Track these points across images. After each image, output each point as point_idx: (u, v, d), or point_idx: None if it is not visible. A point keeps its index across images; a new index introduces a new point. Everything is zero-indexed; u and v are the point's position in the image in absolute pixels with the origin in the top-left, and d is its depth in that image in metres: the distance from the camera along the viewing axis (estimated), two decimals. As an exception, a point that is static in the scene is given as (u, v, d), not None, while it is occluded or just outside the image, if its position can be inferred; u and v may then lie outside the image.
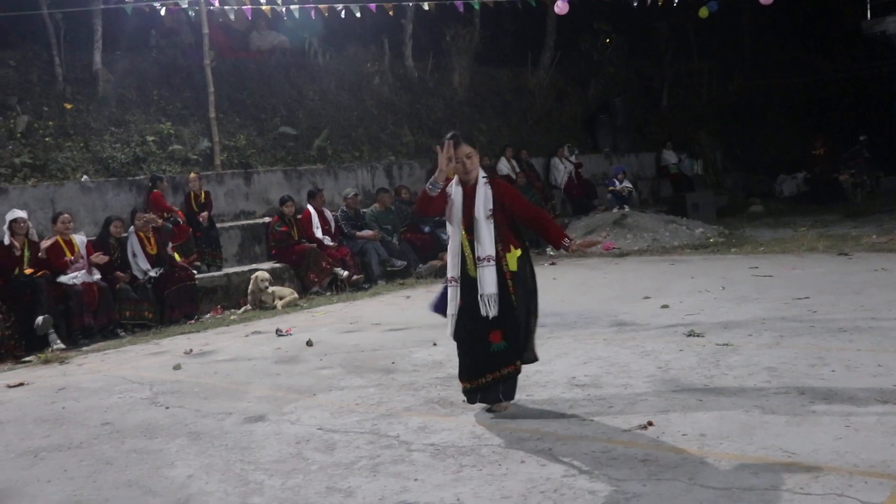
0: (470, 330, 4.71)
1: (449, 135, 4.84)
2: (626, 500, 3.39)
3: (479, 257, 4.68)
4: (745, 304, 7.78)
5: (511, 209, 4.77)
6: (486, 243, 4.68)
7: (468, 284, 4.71)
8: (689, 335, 6.54)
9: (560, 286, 10.44)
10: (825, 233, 13.17)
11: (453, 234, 4.78)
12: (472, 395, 4.85)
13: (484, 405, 4.87)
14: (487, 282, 4.66)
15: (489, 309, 4.65)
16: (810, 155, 20.02)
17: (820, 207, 17.46)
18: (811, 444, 3.82)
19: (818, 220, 15.39)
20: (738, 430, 4.11)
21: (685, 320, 7.21)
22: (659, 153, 21.13)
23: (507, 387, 4.82)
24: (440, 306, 4.98)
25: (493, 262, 4.68)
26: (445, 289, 4.89)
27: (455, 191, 4.78)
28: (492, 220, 4.71)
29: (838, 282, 8.59)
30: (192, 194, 11.90)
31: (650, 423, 4.31)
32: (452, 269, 4.75)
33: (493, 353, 4.70)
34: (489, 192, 4.76)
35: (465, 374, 4.82)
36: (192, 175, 12.07)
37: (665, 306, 8.03)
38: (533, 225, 4.88)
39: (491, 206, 4.72)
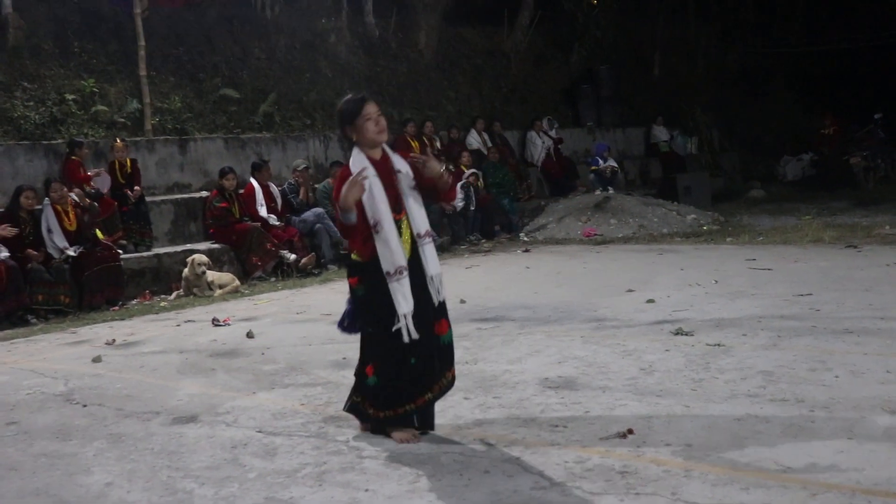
0: (416, 322, 4.42)
1: (357, 95, 4.57)
2: (601, 517, 3.41)
3: (418, 234, 4.50)
4: (740, 300, 7.87)
5: (415, 171, 4.54)
6: (420, 217, 4.51)
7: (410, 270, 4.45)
8: (677, 334, 6.59)
9: (533, 276, 10.50)
10: (832, 222, 13.37)
11: (381, 220, 4.38)
12: (427, 414, 4.56)
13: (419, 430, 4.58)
14: (432, 261, 4.52)
15: (438, 293, 4.53)
16: (818, 134, 20.32)
17: (827, 193, 17.71)
18: (809, 458, 3.86)
19: (825, 207, 15.63)
20: (727, 441, 4.15)
21: (673, 317, 7.28)
22: (648, 129, 21.28)
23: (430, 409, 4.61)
24: (353, 321, 4.67)
25: (431, 238, 4.57)
26: (356, 300, 4.61)
27: (362, 165, 4.45)
28: (417, 190, 4.55)
29: (845, 277, 8.71)
30: (118, 163, 11.73)
31: (630, 431, 4.34)
32: (396, 259, 4.37)
33: (444, 347, 4.57)
34: (399, 158, 4.57)
35: (421, 386, 4.48)
36: (119, 143, 11.89)
37: (650, 301, 8.09)
38: (434, 187, 4.66)
39: (412, 175, 4.53)
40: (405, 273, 4.39)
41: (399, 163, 4.57)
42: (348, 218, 4.33)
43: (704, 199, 17.58)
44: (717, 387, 5.11)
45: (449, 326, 4.62)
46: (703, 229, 14.11)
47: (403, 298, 4.37)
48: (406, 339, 4.36)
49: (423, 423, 4.57)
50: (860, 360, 5.46)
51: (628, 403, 4.89)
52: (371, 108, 4.47)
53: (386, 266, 4.37)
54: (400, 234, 4.45)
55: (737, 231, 13.51)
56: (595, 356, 6.09)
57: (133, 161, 12.02)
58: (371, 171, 4.43)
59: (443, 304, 4.59)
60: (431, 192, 4.66)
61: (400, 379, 4.45)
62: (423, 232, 4.53)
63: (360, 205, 4.35)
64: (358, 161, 4.48)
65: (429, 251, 4.53)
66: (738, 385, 5.10)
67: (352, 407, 4.74)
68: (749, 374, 5.33)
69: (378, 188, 4.41)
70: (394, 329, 4.37)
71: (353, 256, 4.54)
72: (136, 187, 11.61)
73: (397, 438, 4.48)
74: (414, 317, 4.41)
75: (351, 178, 4.28)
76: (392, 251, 4.38)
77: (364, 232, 4.41)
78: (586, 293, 8.89)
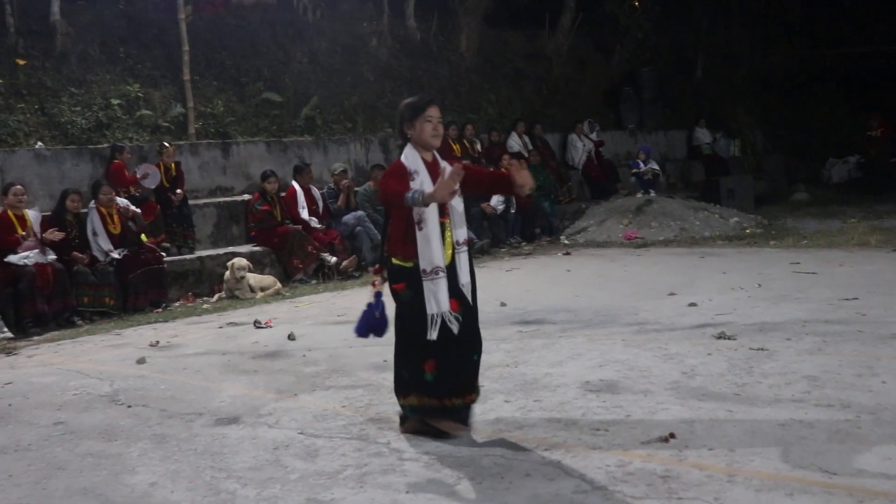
0: (467, 321, 4.57)
1: (425, 96, 4.73)
2: (643, 522, 3.40)
3: (457, 241, 4.59)
4: (784, 304, 7.78)
5: (467, 179, 4.51)
6: (461, 225, 4.63)
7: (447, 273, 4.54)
8: (719, 337, 6.55)
9: (574, 279, 10.46)
10: (879, 225, 13.17)
11: (426, 219, 4.46)
12: (466, 412, 4.69)
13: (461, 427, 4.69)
14: (463, 270, 4.61)
15: (471, 300, 4.64)
16: (865, 136, 20.01)
17: (874, 196, 17.44)
18: (855, 464, 3.82)
19: (871, 210, 15.40)
20: (771, 446, 4.11)
21: (715, 320, 7.22)
22: (691, 131, 21.10)
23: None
24: (370, 323, 4.76)
25: (467, 247, 4.66)
26: (370, 312, 4.72)
27: (417, 164, 4.58)
28: (461, 198, 4.64)
29: (892, 281, 8.60)
30: (162, 166, 11.87)
31: (672, 436, 4.32)
32: (435, 259, 4.46)
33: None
34: (449, 165, 4.61)
35: (461, 387, 4.59)
36: (169, 147, 12.00)
37: (692, 304, 8.04)
38: (494, 184, 4.81)
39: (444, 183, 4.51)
40: (441, 274, 4.47)
41: (447, 168, 4.59)
42: (416, 203, 4.34)
43: (748, 201, 17.40)
44: (761, 391, 5.06)
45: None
46: (746, 232, 13.97)
47: (436, 299, 4.45)
48: (432, 336, 4.44)
49: (459, 417, 4.69)
50: (908, 366, 5.38)
51: (670, 407, 4.86)
52: (434, 112, 4.61)
53: (424, 264, 4.46)
54: (442, 237, 4.52)
55: (780, 234, 13.36)
56: (636, 360, 6.06)
57: (178, 164, 12.17)
58: (423, 171, 4.55)
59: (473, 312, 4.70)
60: (499, 189, 4.76)
61: (455, 372, 4.57)
62: (461, 240, 4.62)
63: (400, 191, 4.42)
64: (411, 158, 4.59)
65: (463, 259, 4.62)
66: (782, 390, 5.05)
67: (404, 416, 4.79)
68: (793, 378, 5.28)
69: (429, 187, 4.46)
70: (429, 334, 4.45)
71: (395, 261, 4.59)
72: (179, 190, 11.72)
73: (447, 427, 4.58)
74: (464, 317, 4.54)
75: (445, 179, 4.31)
76: (433, 250, 4.46)
77: (406, 230, 4.49)
78: (627, 296, 8.84)
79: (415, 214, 4.46)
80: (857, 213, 15.11)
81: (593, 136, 18.19)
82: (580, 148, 17.89)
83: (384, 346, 7.06)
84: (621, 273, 10.77)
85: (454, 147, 15.06)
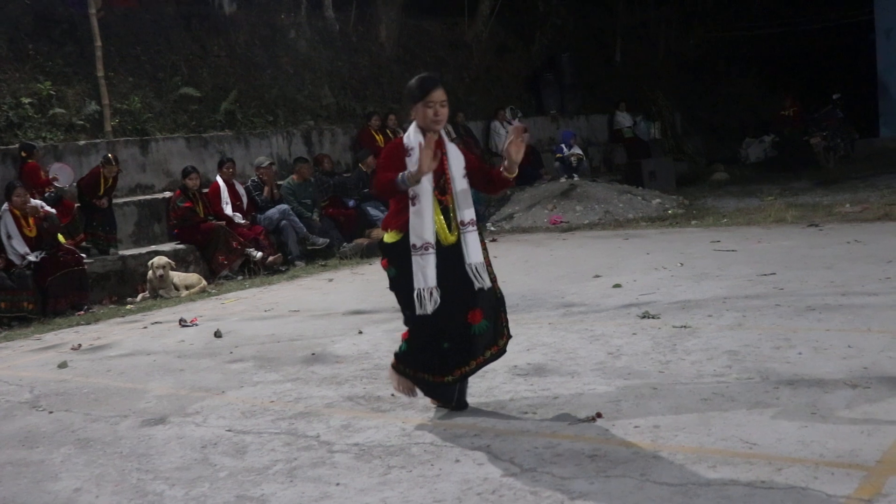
0: (447, 309, 4.51)
1: (424, 76, 4.62)
2: (571, 500, 3.44)
3: (462, 221, 4.55)
4: (706, 281, 7.95)
5: (470, 167, 4.66)
6: (466, 206, 4.57)
7: (444, 254, 4.51)
8: (644, 317, 6.67)
9: (500, 265, 10.40)
10: (794, 202, 13.51)
11: (420, 194, 4.45)
12: (449, 391, 4.71)
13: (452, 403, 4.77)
14: (474, 249, 4.55)
15: (481, 280, 4.55)
16: (778, 116, 20.51)
17: (789, 174, 17.90)
18: (774, 434, 3.92)
19: (787, 187, 15.78)
20: (695, 421, 4.20)
21: (639, 300, 7.34)
22: (612, 115, 21.40)
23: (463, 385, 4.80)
24: None
25: (475, 227, 4.61)
26: (390, 281, 4.70)
27: (417, 139, 4.51)
28: (466, 180, 4.62)
29: (807, 256, 8.83)
30: (103, 177, 11.33)
31: (599, 415, 4.39)
32: (425, 234, 4.44)
33: (474, 336, 4.60)
34: (455, 148, 4.66)
35: (440, 366, 4.60)
36: (114, 166, 11.41)
37: (617, 286, 8.16)
38: (486, 178, 4.77)
39: (464, 165, 4.61)
40: (431, 250, 4.46)
41: (452, 150, 4.63)
42: (405, 185, 4.37)
43: (669, 183, 17.72)
44: (684, 368, 5.16)
45: (484, 317, 4.61)
46: (668, 213, 14.21)
47: (423, 274, 4.44)
48: (419, 311, 4.46)
49: (435, 394, 4.78)
50: (823, 337, 5.54)
51: (597, 388, 4.93)
52: (437, 95, 4.51)
53: (413, 239, 4.46)
54: (445, 217, 4.53)
55: (701, 214, 13.63)
56: (563, 342, 6.13)
57: (117, 175, 11.63)
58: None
59: (483, 294, 4.58)
60: (484, 183, 4.73)
61: (425, 354, 4.63)
62: (467, 220, 4.58)
63: (390, 173, 4.44)
64: (413, 137, 4.54)
65: (471, 239, 4.57)
66: (704, 365, 5.16)
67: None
68: (715, 354, 5.39)
69: None
70: (417, 309, 4.47)
71: (385, 238, 4.64)
72: (104, 198, 11.32)
73: (399, 386, 4.80)
74: (445, 300, 4.49)
75: (423, 149, 4.29)
76: (423, 225, 4.45)
77: (401, 206, 4.52)
78: (553, 280, 8.94)
79: (410, 191, 4.45)
80: (774, 190, 15.49)
81: (515, 122, 18.29)
82: (503, 135, 17.95)
83: (312, 340, 7.07)
84: (547, 257, 10.87)
85: (377, 137, 15.03)
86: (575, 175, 16.83)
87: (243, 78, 15.67)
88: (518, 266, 10.26)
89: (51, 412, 5.63)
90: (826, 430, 3.90)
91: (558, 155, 17.46)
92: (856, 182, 15.32)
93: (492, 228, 14.69)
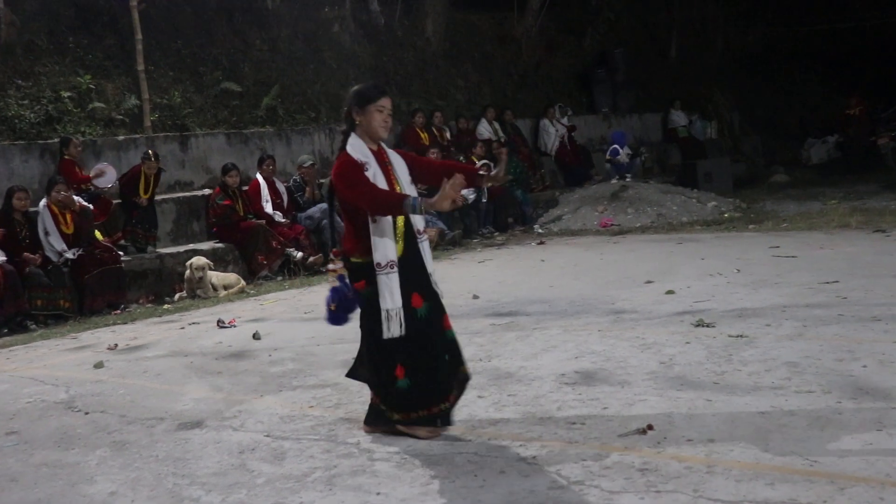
0: (437, 322, 4.59)
1: (379, 84, 4.82)
2: (621, 516, 3.42)
3: (418, 231, 4.61)
4: (764, 289, 7.85)
5: (418, 170, 4.71)
6: (418, 215, 4.57)
7: (402, 264, 4.51)
8: (698, 325, 6.59)
9: (548, 269, 10.49)
10: (860, 206, 13.31)
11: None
12: (447, 415, 4.65)
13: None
14: (429, 258, 4.65)
15: (438, 288, 4.66)
16: (843, 115, 20.18)
17: (854, 176, 17.63)
18: (837, 451, 3.86)
19: (852, 191, 15.55)
20: (751, 435, 4.15)
21: (693, 308, 7.27)
22: (666, 114, 21.22)
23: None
24: (345, 305, 4.71)
25: (425, 236, 4.68)
26: (341, 290, 4.68)
27: (365, 154, 4.56)
28: (415, 186, 4.68)
29: (873, 263, 8.68)
30: (144, 176, 11.46)
31: (650, 427, 4.35)
32: (388, 253, 4.44)
33: (451, 342, 4.68)
34: (395, 154, 4.73)
35: (448, 384, 4.60)
36: (152, 161, 11.53)
37: (670, 292, 8.08)
38: (436, 173, 4.72)
39: (408, 172, 4.67)
40: (395, 268, 4.46)
41: (394, 157, 4.70)
42: (416, 210, 4.37)
43: (725, 185, 17.53)
44: (740, 379, 5.10)
45: (450, 323, 4.73)
46: (724, 217, 14.07)
47: (390, 294, 4.44)
48: (387, 334, 4.42)
49: (446, 421, 4.67)
50: (889, 349, 5.44)
51: (648, 398, 4.89)
52: (386, 102, 4.63)
53: (378, 258, 4.45)
54: (395, 228, 4.52)
55: (760, 218, 13.47)
56: (613, 350, 6.09)
57: (159, 172, 11.77)
58: (373, 162, 4.56)
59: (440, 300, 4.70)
60: (437, 179, 4.72)
61: (432, 378, 4.54)
62: (421, 228, 4.65)
63: (377, 187, 4.45)
64: (358, 148, 4.58)
65: (426, 248, 4.66)
66: (761, 377, 5.10)
67: (376, 416, 4.75)
68: (773, 365, 5.32)
69: (382, 180, 4.52)
70: (385, 332, 4.42)
71: (353, 259, 4.59)
72: (145, 195, 11.42)
73: (423, 435, 4.55)
74: (429, 313, 4.55)
75: (450, 185, 4.29)
76: (386, 245, 4.46)
77: (361, 226, 4.49)
78: (604, 285, 8.88)
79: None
80: (837, 194, 15.26)
81: (565, 120, 18.24)
82: (552, 133, 17.93)
83: (352, 344, 7.04)
84: (597, 261, 10.81)
85: (422, 135, 15.04)
86: (627, 176, 16.72)
87: (285, 73, 15.79)
88: (567, 270, 10.22)
89: (86, 413, 5.71)
90: (893, 448, 3.83)
91: (609, 157, 17.34)
92: (925, 186, 15.05)
93: (539, 230, 14.64)
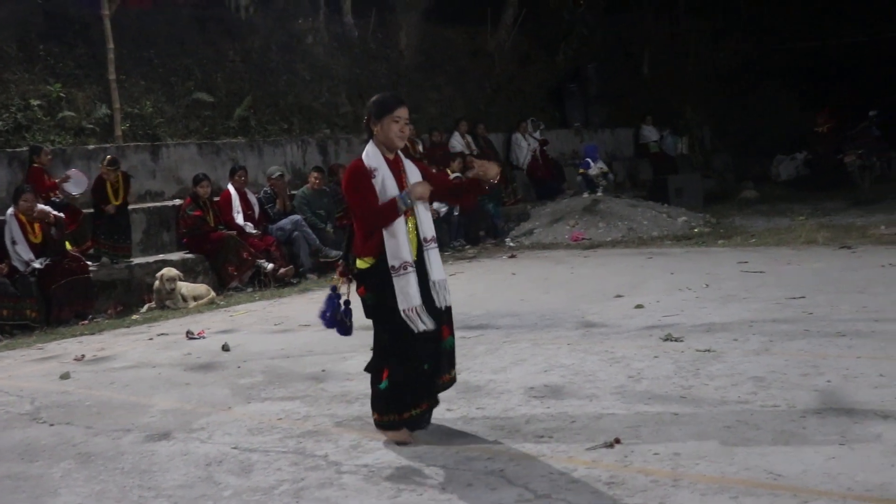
0: (433, 330, 4.62)
1: (396, 94, 4.87)
2: (587, 530, 3.44)
3: (424, 238, 4.68)
4: (732, 304, 7.91)
5: (429, 181, 4.76)
6: (427, 222, 4.72)
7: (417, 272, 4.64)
8: (666, 339, 6.64)
9: (519, 282, 10.53)
10: (827, 223, 13.44)
11: None
12: (425, 417, 4.79)
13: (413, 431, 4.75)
14: (437, 266, 4.71)
15: (444, 298, 4.70)
16: (812, 133, 20.37)
17: (822, 193, 17.78)
18: (800, 465, 3.90)
19: (819, 207, 15.70)
20: (717, 449, 4.18)
21: (662, 322, 7.32)
22: (637, 129, 21.36)
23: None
24: (334, 317, 4.88)
25: (436, 244, 4.76)
26: (333, 298, 4.84)
27: (379, 163, 4.65)
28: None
29: (839, 279, 8.78)
30: (109, 184, 11.30)
31: (617, 441, 4.38)
32: (402, 254, 4.55)
33: (445, 352, 4.77)
34: (412, 164, 4.83)
35: (428, 391, 4.72)
36: (102, 165, 11.34)
37: (639, 306, 8.13)
38: (453, 192, 4.95)
39: (421, 181, 4.74)
40: (410, 269, 4.55)
41: (409, 167, 4.77)
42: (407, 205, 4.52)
43: (696, 200, 17.64)
44: (707, 393, 5.14)
45: (451, 332, 4.81)
46: (694, 232, 14.17)
47: (406, 294, 4.53)
48: (416, 329, 4.52)
49: (416, 425, 4.73)
50: (853, 364, 5.51)
51: (616, 412, 4.92)
52: (403, 112, 4.67)
53: (392, 260, 4.55)
54: (406, 231, 4.61)
55: (729, 233, 13.58)
56: (582, 364, 6.12)
57: (125, 176, 11.59)
58: (385, 169, 4.64)
59: (448, 310, 4.76)
60: (448, 196, 4.83)
61: (410, 384, 4.62)
62: (428, 237, 4.70)
63: (372, 200, 4.55)
64: (373, 156, 4.66)
65: (433, 256, 4.72)
66: (728, 391, 5.14)
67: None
68: (740, 380, 5.37)
69: (392, 185, 4.60)
70: (415, 328, 4.53)
71: (359, 264, 4.67)
72: (116, 202, 11.24)
73: (393, 438, 4.65)
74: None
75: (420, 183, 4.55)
76: (399, 245, 4.56)
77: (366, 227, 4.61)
78: (574, 299, 8.92)
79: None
80: (805, 210, 15.41)
81: (537, 134, 18.31)
82: (524, 147, 18.00)
83: (321, 356, 7.09)
84: (567, 275, 10.86)
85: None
86: (598, 190, 16.80)
87: (258, 84, 15.76)
88: (537, 284, 10.25)
89: (51, 425, 5.66)
90: (855, 463, 3.88)
91: (581, 171, 17.43)
92: (891, 203, 15.17)
93: (511, 244, 14.68)
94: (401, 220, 4.58)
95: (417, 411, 4.69)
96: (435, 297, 4.67)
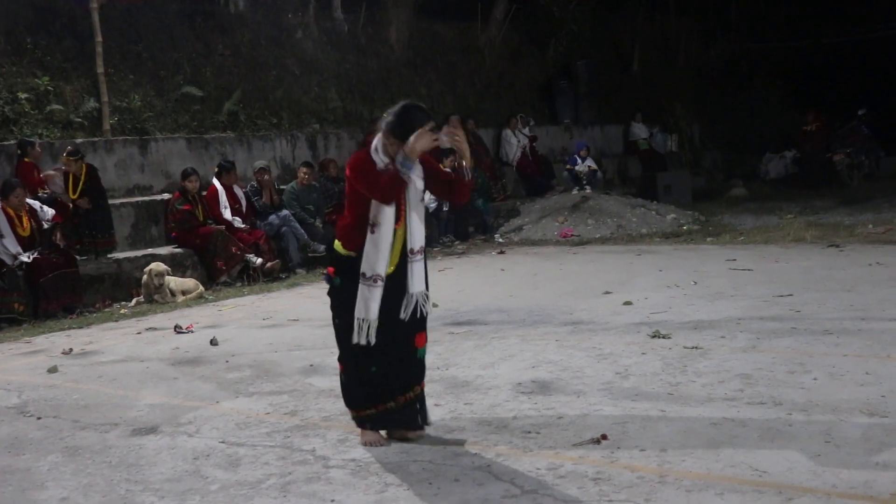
0: (392, 337, 4.54)
1: (422, 109, 4.64)
2: (573, 525, 3.46)
3: (411, 250, 4.57)
4: (720, 301, 7.95)
5: (426, 168, 4.63)
6: (419, 232, 4.60)
7: (390, 280, 4.53)
8: (654, 336, 6.67)
9: (508, 279, 10.55)
10: (815, 221, 13.51)
11: (381, 223, 4.47)
12: (390, 418, 4.64)
13: (397, 432, 4.67)
14: (418, 278, 4.59)
15: (424, 308, 4.62)
16: (801, 131, 20.44)
17: (810, 191, 17.87)
18: (786, 462, 3.93)
19: (808, 206, 15.77)
20: (703, 446, 4.21)
21: (650, 319, 7.35)
22: (627, 126, 21.38)
23: (423, 406, 4.73)
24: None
25: (422, 255, 4.64)
26: (332, 289, 4.74)
27: (383, 161, 4.52)
28: (422, 203, 4.69)
29: (826, 277, 8.83)
30: (72, 176, 11.16)
31: (604, 437, 4.40)
32: (378, 267, 4.45)
33: (419, 361, 4.68)
34: (418, 166, 4.61)
35: (381, 394, 4.58)
36: (63, 157, 11.20)
37: (628, 303, 8.17)
38: (446, 187, 4.77)
39: (422, 186, 4.63)
40: (380, 283, 4.48)
41: (418, 174, 4.60)
42: (409, 169, 4.39)
43: (685, 198, 17.70)
44: (694, 390, 5.17)
45: (426, 340, 4.72)
46: (683, 229, 14.21)
47: (366, 305, 4.47)
48: (356, 340, 4.48)
49: (407, 424, 4.66)
50: (840, 362, 5.55)
51: (603, 408, 4.95)
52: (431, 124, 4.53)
53: (365, 268, 4.48)
54: (392, 243, 4.51)
55: (717, 231, 13.63)
56: (570, 360, 6.15)
57: (89, 168, 11.43)
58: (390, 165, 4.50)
59: (424, 318, 4.66)
60: (445, 193, 4.77)
61: (361, 384, 4.60)
62: (416, 248, 4.60)
63: (367, 200, 4.46)
64: (383, 153, 4.53)
65: (417, 269, 4.60)
66: (715, 388, 5.17)
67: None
68: (727, 377, 5.40)
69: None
70: (354, 338, 4.48)
71: (337, 247, 4.62)
72: (81, 199, 11.06)
73: (362, 440, 4.62)
74: (384, 327, 4.50)
75: (421, 130, 4.38)
76: (379, 256, 4.48)
77: (361, 224, 4.51)
78: (562, 296, 8.95)
79: (371, 215, 4.46)
80: (794, 208, 15.47)
81: (527, 131, 18.31)
82: (514, 143, 17.99)
83: (310, 350, 7.09)
84: (556, 272, 10.89)
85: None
86: (587, 187, 16.83)
87: (247, 78, 15.71)
88: (526, 280, 10.28)
89: (39, 418, 5.65)
90: (840, 460, 3.91)
91: (568, 166, 17.44)
92: (880, 202, 15.26)
93: (500, 240, 14.70)
94: (389, 231, 4.47)
95: (373, 411, 4.60)
96: (403, 308, 4.55)
